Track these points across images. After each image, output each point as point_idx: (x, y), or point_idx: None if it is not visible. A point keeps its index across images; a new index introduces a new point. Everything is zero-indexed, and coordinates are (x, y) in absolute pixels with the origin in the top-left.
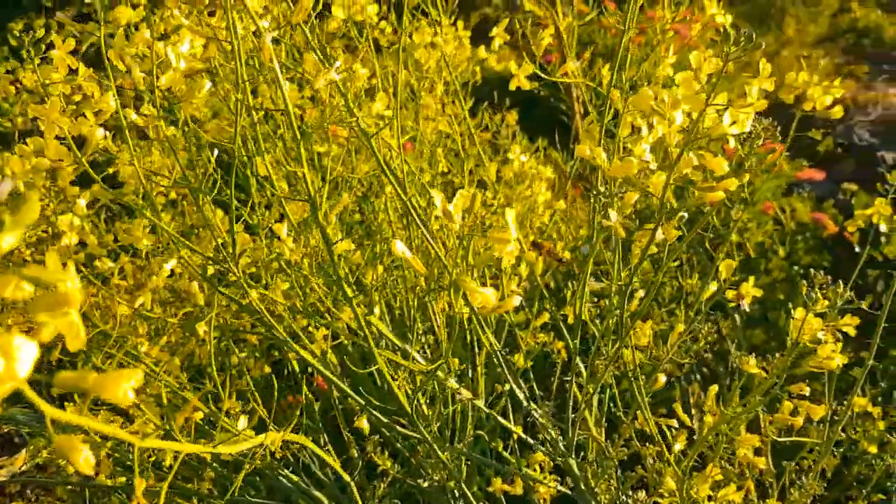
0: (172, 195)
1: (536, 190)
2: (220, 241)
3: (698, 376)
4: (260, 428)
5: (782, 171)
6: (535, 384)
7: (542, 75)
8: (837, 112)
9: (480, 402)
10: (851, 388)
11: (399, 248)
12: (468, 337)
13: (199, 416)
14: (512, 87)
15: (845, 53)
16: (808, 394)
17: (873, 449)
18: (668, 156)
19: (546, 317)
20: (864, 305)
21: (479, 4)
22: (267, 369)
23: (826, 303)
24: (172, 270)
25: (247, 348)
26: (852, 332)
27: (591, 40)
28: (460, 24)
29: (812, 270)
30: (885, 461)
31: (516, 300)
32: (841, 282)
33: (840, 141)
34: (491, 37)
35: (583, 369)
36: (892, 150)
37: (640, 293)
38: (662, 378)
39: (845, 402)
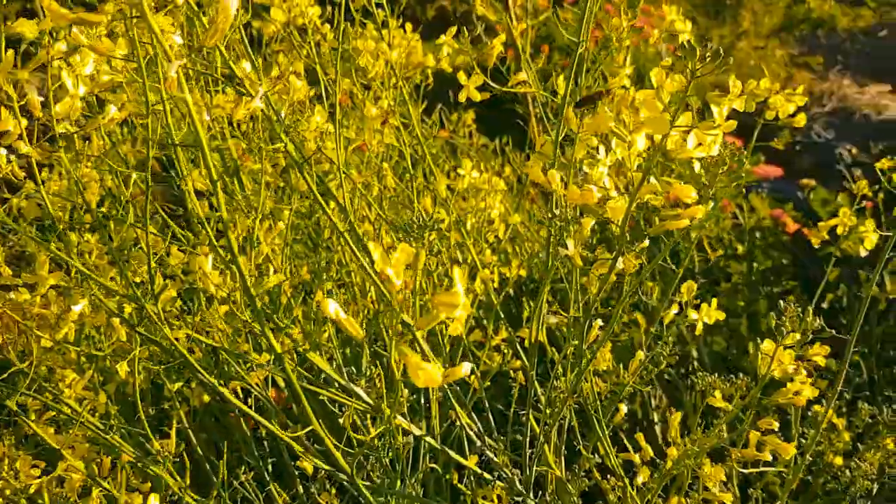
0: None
1: (491, 203)
2: (142, 274)
3: (659, 388)
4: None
5: (743, 167)
6: (490, 412)
7: (494, 85)
8: (800, 120)
9: (431, 440)
10: (818, 399)
11: (331, 308)
12: None
13: (126, 458)
14: (461, 98)
15: (800, 44)
16: (776, 428)
17: (839, 461)
18: (630, 181)
19: (504, 334)
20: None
21: None
22: (206, 398)
23: (796, 336)
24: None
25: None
26: (822, 361)
27: (550, 35)
28: (409, 26)
29: (781, 301)
30: (852, 473)
31: (466, 368)
32: (811, 309)
33: (797, 139)
34: (440, 44)
35: (541, 396)
36: (848, 142)
37: (599, 322)
38: (623, 409)
39: (815, 416)
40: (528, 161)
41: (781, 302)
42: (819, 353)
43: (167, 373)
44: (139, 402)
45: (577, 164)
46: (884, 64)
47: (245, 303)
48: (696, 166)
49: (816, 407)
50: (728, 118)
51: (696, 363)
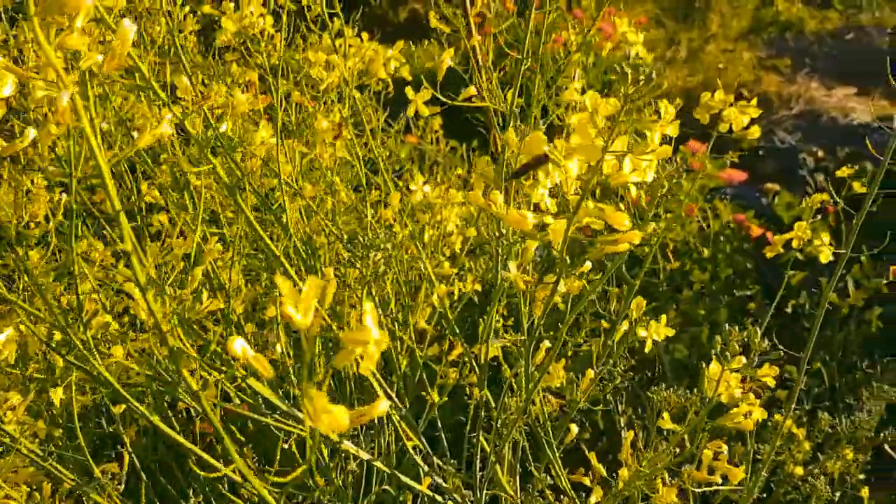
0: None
1: (447, 215)
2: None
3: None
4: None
5: (706, 170)
6: (445, 430)
7: (444, 99)
8: (754, 132)
9: (380, 464)
10: (776, 405)
11: (237, 347)
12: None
13: (67, 486)
14: (409, 113)
15: (768, 47)
16: (725, 451)
17: (799, 471)
18: (569, 203)
19: (459, 349)
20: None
21: (408, 0)
22: (155, 418)
23: (742, 360)
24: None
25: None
26: (772, 382)
27: (515, 40)
28: (365, 35)
29: (727, 326)
30: (812, 483)
31: (382, 406)
32: (757, 329)
33: (761, 144)
34: (388, 57)
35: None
36: (815, 144)
37: (547, 344)
38: (575, 429)
39: (775, 426)
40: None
41: (727, 326)
42: (768, 375)
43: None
44: (78, 428)
45: (514, 186)
46: (850, 67)
47: (182, 327)
48: (633, 190)
49: (777, 416)
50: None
51: (658, 370)
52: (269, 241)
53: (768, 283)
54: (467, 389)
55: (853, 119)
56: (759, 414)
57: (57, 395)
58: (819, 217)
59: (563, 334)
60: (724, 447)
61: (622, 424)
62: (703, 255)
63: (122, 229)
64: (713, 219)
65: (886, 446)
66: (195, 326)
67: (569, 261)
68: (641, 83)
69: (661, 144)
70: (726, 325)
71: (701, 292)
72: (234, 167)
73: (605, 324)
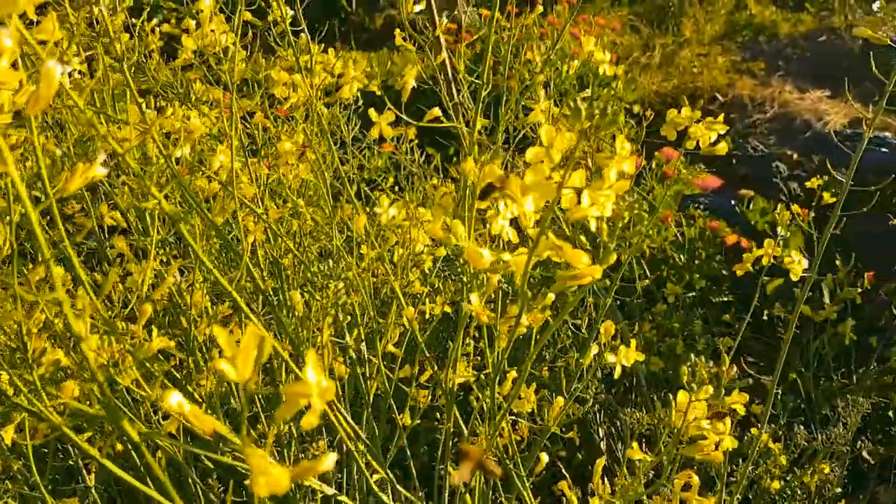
0: None
1: (415, 236)
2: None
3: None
4: None
5: (682, 175)
6: (412, 464)
7: (410, 121)
8: (721, 149)
9: (347, 500)
10: (752, 422)
11: (173, 401)
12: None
13: None
14: (373, 135)
15: (742, 50)
16: (696, 482)
17: (776, 485)
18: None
19: (429, 373)
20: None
21: (383, 7)
22: (119, 447)
23: (710, 389)
24: None
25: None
26: (742, 410)
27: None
28: (331, 51)
29: (692, 356)
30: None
31: (329, 460)
32: (727, 357)
33: (735, 151)
34: (351, 78)
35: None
36: (789, 147)
37: (513, 374)
38: (545, 458)
39: (751, 441)
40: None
41: (693, 356)
42: (738, 402)
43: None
44: (33, 465)
45: (474, 216)
46: (823, 69)
47: (136, 365)
48: (593, 225)
49: (753, 430)
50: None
51: (634, 381)
52: (218, 276)
53: (744, 290)
54: (438, 415)
55: (826, 121)
56: (729, 443)
57: (8, 434)
58: (792, 223)
59: (528, 368)
60: (695, 478)
61: (600, 436)
62: (678, 263)
63: (52, 278)
64: (687, 226)
65: (865, 452)
66: (159, 356)
67: (530, 294)
68: (596, 118)
69: (618, 179)
70: (699, 337)
71: (675, 304)
72: (188, 196)
73: (582, 335)
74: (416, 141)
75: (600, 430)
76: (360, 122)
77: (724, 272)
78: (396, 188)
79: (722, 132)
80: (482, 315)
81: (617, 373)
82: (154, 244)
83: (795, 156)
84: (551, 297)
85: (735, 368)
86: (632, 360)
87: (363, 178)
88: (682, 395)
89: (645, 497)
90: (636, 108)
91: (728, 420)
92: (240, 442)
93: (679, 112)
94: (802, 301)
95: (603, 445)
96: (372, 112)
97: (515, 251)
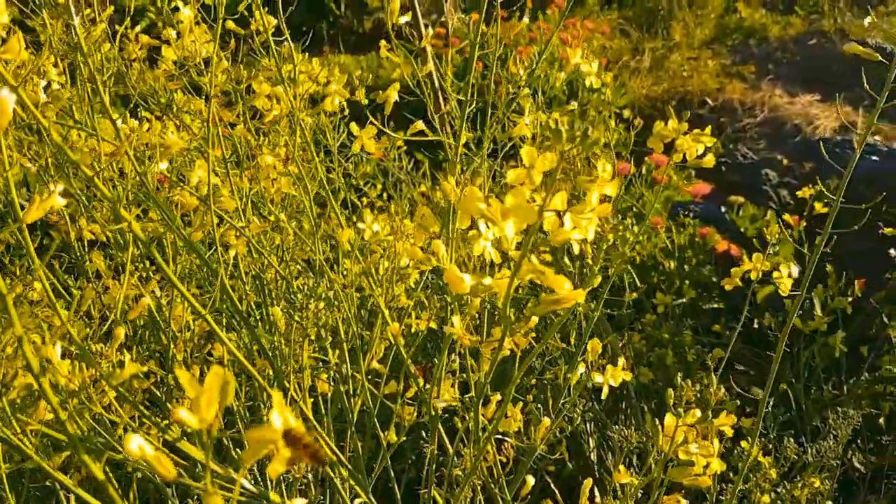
0: None
1: (400, 250)
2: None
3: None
4: None
5: (671, 182)
6: (396, 487)
7: (392, 134)
8: (709, 161)
9: None
10: (742, 434)
11: (133, 446)
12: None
13: None
14: (355, 149)
15: (733, 54)
16: None
17: (766, 500)
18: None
19: (414, 390)
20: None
21: (372, 10)
22: (100, 474)
23: (697, 413)
24: None
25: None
26: (730, 432)
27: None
28: (316, 61)
29: (679, 380)
30: None
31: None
32: (714, 378)
33: (724, 159)
34: (329, 92)
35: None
36: (779, 152)
37: (497, 396)
38: (531, 481)
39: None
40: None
41: (679, 379)
42: (726, 423)
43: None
44: (7, 488)
45: (457, 237)
46: (813, 73)
47: (106, 393)
48: (576, 247)
49: (743, 444)
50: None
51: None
52: (192, 300)
53: (734, 298)
54: (424, 432)
55: (816, 126)
56: (717, 466)
57: None
58: (782, 234)
59: (511, 392)
60: (683, 502)
61: (591, 447)
62: (668, 270)
63: (10, 314)
64: (677, 233)
65: (856, 461)
66: (139, 374)
67: (513, 318)
68: (577, 140)
69: (600, 202)
70: (689, 348)
71: (665, 314)
72: (165, 215)
73: (571, 348)
74: (405, 147)
75: (591, 440)
76: (346, 129)
77: (714, 279)
78: (384, 195)
79: (709, 145)
80: (464, 339)
81: (604, 393)
82: (130, 260)
83: (785, 161)
84: (535, 320)
85: (723, 390)
86: (619, 380)
87: (350, 185)
88: (669, 419)
89: None
90: (626, 113)
91: (716, 442)
92: (202, 487)
93: (666, 124)
94: (794, 315)
95: (593, 456)
96: (354, 126)
97: (498, 273)
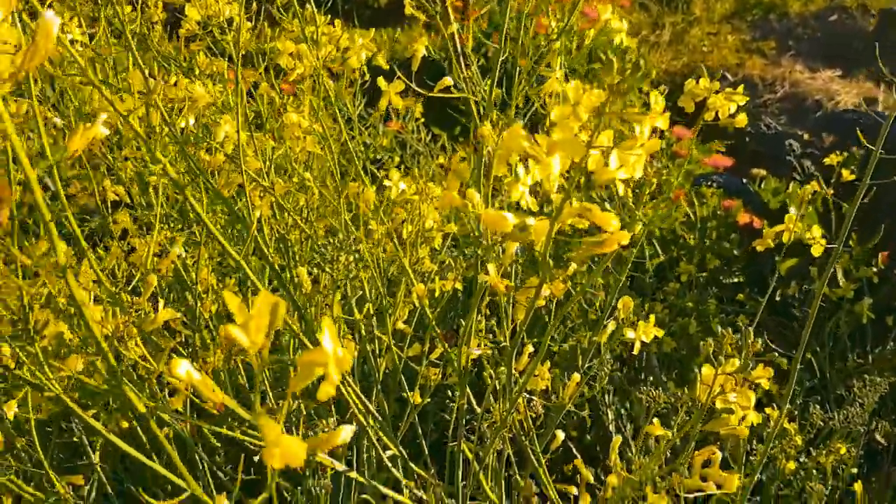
0: None
1: (425, 212)
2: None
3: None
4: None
5: (692, 156)
6: (428, 431)
7: (420, 90)
8: (742, 120)
9: (356, 475)
10: (768, 398)
11: (181, 370)
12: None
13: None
14: (382, 106)
15: (753, 29)
16: (719, 457)
17: (791, 466)
18: (544, 198)
19: (439, 351)
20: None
21: None
22: (125, 424)
23: (736, 362)
24: None
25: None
26: (766, 384)
27: (497, 24)
28: (338, 22)
29: (719, 328)
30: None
31: (346, 433)
32: (751, 330)
33: (747, 129)
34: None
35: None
36: (799, 127)
37: (530, 348)
38: (560, 435)
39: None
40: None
41: (719, 328)
42: (763, 376)
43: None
44: (37, 442)
45: (493, 184)
46: (834, 49)
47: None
48: (620, 188)
49: (769, 410)
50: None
51: (645, 363)
52: (225, 244)
53: (757, 270)
54: (449, 392)
55: (838, 101)
56: (753, 417)
57: (10, 409)
58: (812, 201)
59: (548, 340)
60: (718, 454)
61: (610, 419)
62: (689, 243)
63: (54, 243)
64: (699, 206)
65: (878, 436)
66: (164, 332)
67: (552, 263)
68: (628, 72)
69: (650, 138)
70: (713, 317)
71: (688, 283)
72: (193, 165)
73: (592, 315)
74: (423, 119)
75: (609, 412)
76: (365, 100)
77: (735, 252)
78: (402, 167)
79: (741, 103)
80: (499, 285)
81: (636, 348)
82: (158, 217)
83: (806, 136)
84: (574, 266)
85: (760, 342)
86: (651, 336)
87: (368, 157)
88: (707, 369)
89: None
90: (644, 87)
91: (752, 394)
92: (251, 416)
93: (697, 83)
94: (827, 278)
95: (612, 427)
96: (381, 81)
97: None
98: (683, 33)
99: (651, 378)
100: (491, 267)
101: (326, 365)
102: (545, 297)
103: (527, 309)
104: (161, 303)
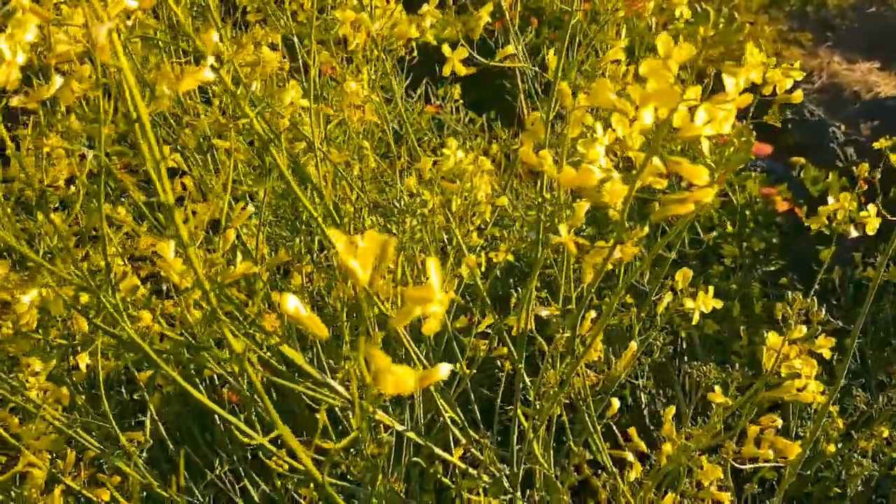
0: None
1: (477, 184)
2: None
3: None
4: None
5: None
6: (475, 402)
7: (480, 59)
8: (798, 96)
9: (414, 435)
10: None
11: (290, 305)
12: (403, 352)
13: (91, 454)
14: (446, 72)
15: (790, 19)
16: (780, 424)
17: (832, 448)
18: (631, 161)
19: (490, 320)
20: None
21: None
22: (186, 384)
23: (803, 329)
24: None
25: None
26: (828, 354)
27: (539, 8)
28: None
29: (788, 293)
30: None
31: (444, 369)
32: (815, 299)
33: (790, 115)
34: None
35: (530, 388)
36: (837, 119)
37: (592, 314)
38: (616, 403)
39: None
40: (516, 139)
41: (789, 293)
42: (825, 346)
43: (138, 360)
44: (104, 394)
45: (570, 144)
46: (873, 40)
47: (213, 292)
48: (705, 146)
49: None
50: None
51: (686, 345)
52: (304, 199)
53: (797, 257)
54: (498, 362)
55: (877, 93)
56: (815, 386)
57: (83, 360)
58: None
59: (615, 303)
60: (779, 421)
61: (647, 398)
62: (727, 230)
63: (163, 183)
64: (739, 192)
65: None
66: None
67: (626, 224)
68: (721, 25)
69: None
70: (756, 300)
71: (732, 266)
72: (265, 126)
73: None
74: (460, 102)
75: (643, 396)
76: (408, 80)
77: (774, 240)
78: (439, 148)
79: (799, 78)
80: (570, 244)
81: (695, 319)
82: (230, 178)
83: (844, 127)
84: (646, 229)
85: (824, 311)
86: (710, 306)
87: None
88: (773, 336)
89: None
90: (682, 74)
91: (815, 363)
92: (363, 347)
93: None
94: (887, 258)
95: (646, 412)
96: (446, 48)
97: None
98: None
99: (693, 360)
100: (563, 227)
101: (431, 302)
102: (614, 260)
103: (596, 271)
104: (239, 256)
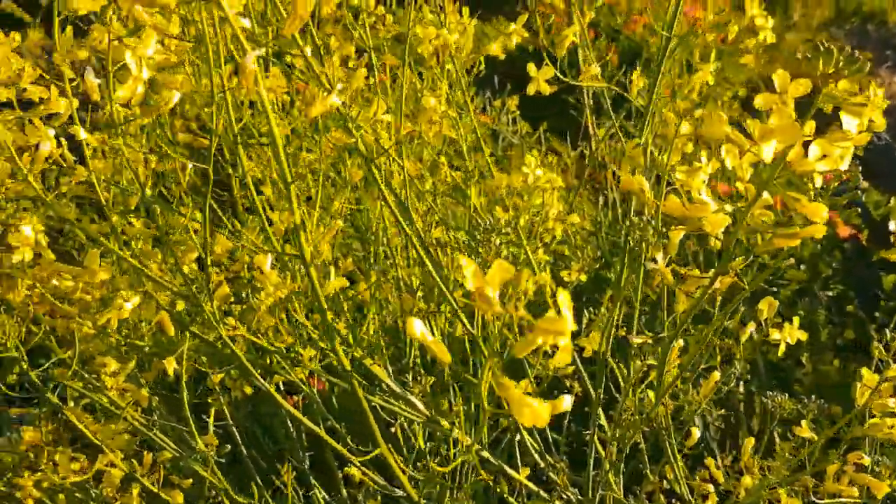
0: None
1: (548, 201)
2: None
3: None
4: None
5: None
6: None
7: (564, 78)
8: (880, 125)
9: (486, 453)
10: None
11: (417, 330)
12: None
13: (167, 455)
14: (530, 91)
15: (850, 38)
16: (868, 463)
17: None
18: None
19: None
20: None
21: None
22: (248, 389)
23: None
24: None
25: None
26: None
27: (596, 22)
28: (465, 10)
29: (887, 331)
30: None
31: (567, 401)
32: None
33: None
34: (507, 33)
35: (604, 421)
36: None
37: (680, 343)
38: (696, 433)
39: None
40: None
41: (888, 332)
42: None
43: (210, 363)
44: (185, 399)
45: (668, 171)
46: None
47: (308, 306)
48: (818, 181)
49: None
50: None
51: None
52: (386, 191)
53: (859, 283)
54: (567, 382)
55: None
56: None
57: (171, 364)
58: None
59: (710, 334)
60: (866, 459)
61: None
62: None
63: (290, 201)
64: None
65: None
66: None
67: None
68: (841, 63)
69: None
70: (822, 327)
71: (798, 292)
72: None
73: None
74: (517, 113)
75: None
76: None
77: (835, 265)
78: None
79: (884, 107)
80: (668, 275)
81: (781, 350)
82: (318, 190)
83: None
84: (740, 260)
85: None
86: (795, 338)
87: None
88: (867, 373)
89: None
90: (741, 91)
91: None
92: (493, 380)
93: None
94: None
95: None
96: (531, 67)
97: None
98: (779, 38)
99: (759, 385)
100: (659, 255)
101: (564, 335)
102: (713, 289)
103: (693, 300)
104: (332, 270)
